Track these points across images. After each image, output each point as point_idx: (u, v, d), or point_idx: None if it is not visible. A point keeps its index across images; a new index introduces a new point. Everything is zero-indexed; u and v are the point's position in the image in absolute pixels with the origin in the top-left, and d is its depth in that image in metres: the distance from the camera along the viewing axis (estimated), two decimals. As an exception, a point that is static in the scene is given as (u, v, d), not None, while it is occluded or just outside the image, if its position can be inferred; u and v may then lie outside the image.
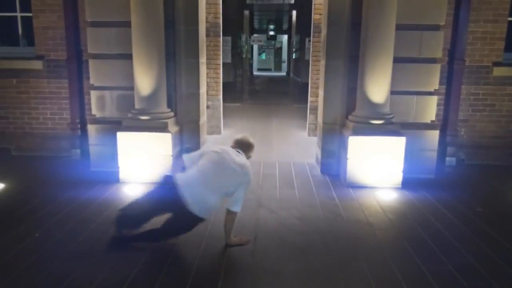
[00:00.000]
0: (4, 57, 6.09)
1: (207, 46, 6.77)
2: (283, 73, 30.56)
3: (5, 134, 6.21)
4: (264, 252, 3.27)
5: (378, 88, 4.76)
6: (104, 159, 5.22)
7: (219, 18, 7.14)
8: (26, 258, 3.08)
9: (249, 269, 3.03)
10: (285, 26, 27.52)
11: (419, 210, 4.18)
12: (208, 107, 7.25)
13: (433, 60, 5.10)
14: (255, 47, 32.73)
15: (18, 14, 6.08)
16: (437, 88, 5.20)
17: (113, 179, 4.89)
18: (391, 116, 4.88)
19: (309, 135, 7.47)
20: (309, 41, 8.98)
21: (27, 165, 5.64)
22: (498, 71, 5.80)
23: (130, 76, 4.97)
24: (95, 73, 5.25)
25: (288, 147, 6.75)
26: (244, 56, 15.95)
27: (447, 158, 5.92)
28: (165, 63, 4.99)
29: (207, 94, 7.00)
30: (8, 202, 4.30)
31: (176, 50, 5.16)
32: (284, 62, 32.85)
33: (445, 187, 4.90)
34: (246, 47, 17.96)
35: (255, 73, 28.90)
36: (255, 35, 24.03)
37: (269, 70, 34.05)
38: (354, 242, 3.47)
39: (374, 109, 4.81)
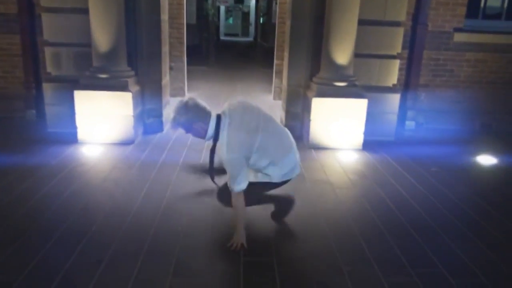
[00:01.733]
0: None
1: (170, 4, 6.50)
2: (251, 39, 30.12)
3: (-48, 93, 5.82)
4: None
5: (342, 50, 4.76)
6: (62, 119, 5.01)
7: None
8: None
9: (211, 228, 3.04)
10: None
11: (378, 171, 4.31)
12: (171, 68, 7.05)
13: (397, 23, 5.13)
14: (222, 11, 31.91)
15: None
16: (399, 51, 5.27)
17: (72, 140, 4.72)
18: (354, 78, 4.92)
19: (274, 98, 7.45)
20: (276, 3, 8.82)
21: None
22: (458, 37, 5.92)
23: (88, 32, 4.71)
24: (49, 28, 4.95)
25: (253, 110, 6.70)
26: (210, 19, 15.53)
27: (406, 122, 6.08)
28: (124, 19, 4.76)
29: (170, 55, 6.79)
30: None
31: (136, 5, 4.92)
32: (251, 25, 32.29)
33: (403, 149, 5.05)
34: (213, 10, 17.49)
35: (222, 38, 28.31)
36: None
37: (236, 35, 33.43)
38: (315, 200, 3.55)
39: (338, 71, 4.83)
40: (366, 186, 3.93)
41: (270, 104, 7.24)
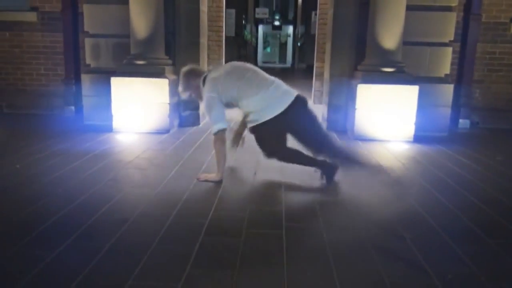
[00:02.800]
0: (-3, 9, 5.82)
1: (209, 7, 6.48)
2: (288, 65, 30.29)
3: (-4, 90, 5.94)
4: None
5: (389, 34, 4.45)
6: (98, 111, 4.93)
7: (223, -22, 6.86)
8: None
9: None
10: (290, 15, 27.22)
11: (434, 158, 3.87)
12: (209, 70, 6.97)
13: (448, 8, 4.78)
14: (260, 38, 32.43)
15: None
16: (452, 39, 4.88)
17: (107, 130, 4.60)
18: (403, 64, 4.57)
19: (314, 102, 7.16)
20: (316, 14, 8.70)
21: (18, 121, 5.34)
22: (516, 28, 5.47)
23: (127, 23, 4.68)
24: (90, 19, 4.97)
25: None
26: (248, 40, 15.70)
27: (460, 120, 5.60)
28: (163, 8, 4.70)
29: (208, 58, 6.71)
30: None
31: (175, -6, 4.87)
32: (288, 52, 32.63)
33: (460, 143, 4.57)
34: (251, 36, 17.73)
35: (260, 65, 28.63)
36: (259, 8, 23.01)
37: (273, 62, 33.76)
38: (363, 179, 3.16)
39: (385, 56, 4.50)
40: (422, 169, 3.51)
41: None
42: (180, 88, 3.18)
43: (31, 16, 5.72)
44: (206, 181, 2.93)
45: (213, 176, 2.95)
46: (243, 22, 15.01)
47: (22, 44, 5.83)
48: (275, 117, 2.86)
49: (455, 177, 3.25)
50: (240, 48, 13.94)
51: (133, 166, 3.33)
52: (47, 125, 5.08)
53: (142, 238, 2.05)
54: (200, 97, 3.10)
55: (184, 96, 3.20)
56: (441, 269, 1.82)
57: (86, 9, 4.96)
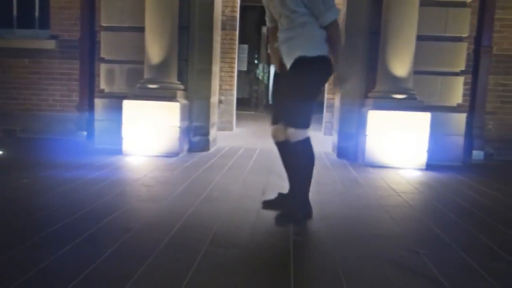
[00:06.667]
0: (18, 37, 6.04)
1: (222, 39, 6.65)
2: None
3: (12, 115, 6.06)
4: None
5: (400, 61, 4.47)
6: (110, 135, 4.94)
7: (236, 11, 7.06)
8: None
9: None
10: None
11: (448, 184, 3.76)
12: (221, 101, 7.04)
13: (459, 38, 4.81)
14: (272, 76, 32.92)
15: (36, -4, 6.09)
16: (463, 68, 4.88)
17: (116, 153, 4.60)
18: (414, 92, 4.55)
19: (324, 134, 7.14)
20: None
21: (30, 145, 5.39)
22: (528, 61, 5.47)
23: (142, 50, 4.79)
24: (106, 46, 5.10)
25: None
26: (260, 77, 15.97)
27: (474, 152, 5.49)
28: (177, 36, 4.83)
29: (220, 89, 6.81)
30: None
31: (190, 23, 5.00)
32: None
33: (475, 172, 4.46)
34: (263, 74, 18.04)
35: (271, 102, 28.89)
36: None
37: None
38: (374, 196, 3.07)
39: (396, 83, 4.50)
40: (435, 193, 3.40)
41: (321, 140, 6.91)
42: None
43: (50, 44, 5.92)
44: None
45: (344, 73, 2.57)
46: (255, 60, 15.33)
47: (40, 70, 6.00)
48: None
49: (470, 201, 3.14)
50: (252, 84, 14.15)
51: (140, 183, 3.30)
52: (57, 148, 5.12)
53: (145, 246, 1.98)
54: None
55: None
56: (459, 283, 1.71)
57: (104, 36, 5.11)
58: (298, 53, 2.41)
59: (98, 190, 2.99)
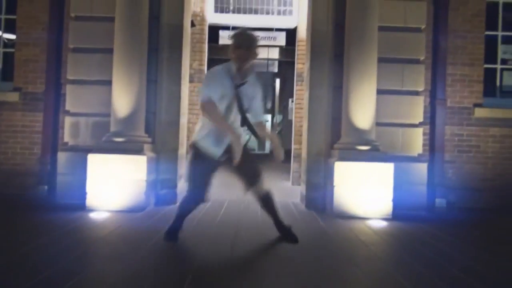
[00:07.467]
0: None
1: (190, 91, 6.75)
2: (267, 152, 30.84)
3: (-31, 169, 5.76)
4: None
5: (363, 114, 4.66)
6: (72, 190, 4.78)
7: (204, 65, 7.24)
8: None
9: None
10: (269, 105, 28.23)
11: (414, 235, 3.83)
12: (188, 153, 7.01)
13: (415, 92, 5.11)
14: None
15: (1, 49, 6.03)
16: (421, 120, 5.14)
17: (79, 208, 4.42)
18: (377, 143, 4.72)
19: (292, 183, 7.19)
20: (292, 101, 9.15)
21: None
22: (479, 112, 5.82)
23: (108, 103, 4.78)
24: (72, 98, 5.07)
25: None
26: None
27: (436, 200, 5.64)
28: (145, 89, 4.87)
29: (188, 140, 6.80)
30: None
31: (158, 76, 5.06)
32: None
33: (440, 221, 4.58)
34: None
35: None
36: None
37: (252, 150, 34.30)
38: (347, 251, 3.07)
39: (360, 135, 4.66)
40: (401, 244, 3.45)
41: (288, 190, 6.93)
42: None
43: (13, 96, 5.78)
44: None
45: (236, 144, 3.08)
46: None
47: (1, 123, 5.81)
48: None
49: (435, 251, 3.20)
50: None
51: (104, 242, 3.16)
52: (16, 204, 4.87)
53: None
54: None
55: None
56: None
57: (70, 89, 5.08)
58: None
59: (58, 252, 2.84)
